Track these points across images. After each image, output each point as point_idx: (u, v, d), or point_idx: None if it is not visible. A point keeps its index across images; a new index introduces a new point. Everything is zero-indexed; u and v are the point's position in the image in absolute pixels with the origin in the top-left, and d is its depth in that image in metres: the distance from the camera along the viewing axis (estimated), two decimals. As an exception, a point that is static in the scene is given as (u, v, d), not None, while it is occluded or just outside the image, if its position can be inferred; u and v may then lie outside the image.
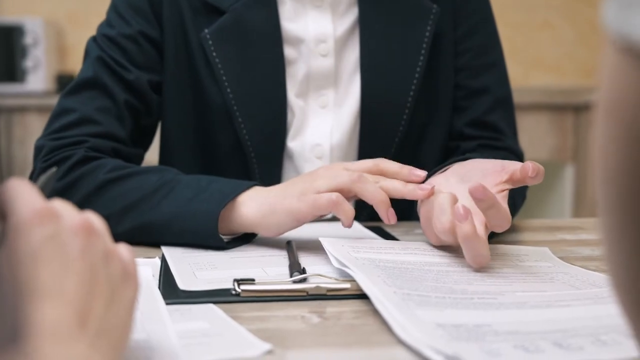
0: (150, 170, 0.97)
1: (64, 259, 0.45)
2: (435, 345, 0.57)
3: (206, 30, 1.08)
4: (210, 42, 1.08)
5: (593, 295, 0.71)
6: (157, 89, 1.12)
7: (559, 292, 0.73)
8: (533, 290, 0.73)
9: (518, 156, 1.16)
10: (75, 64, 3.04)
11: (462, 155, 1.07)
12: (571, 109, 2.72)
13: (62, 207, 0.47)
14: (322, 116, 1.12)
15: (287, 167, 1.13)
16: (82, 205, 0.92)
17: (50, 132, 1.05)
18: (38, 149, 1.04)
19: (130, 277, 0.50)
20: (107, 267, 0.48)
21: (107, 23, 1.12)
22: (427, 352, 0.56)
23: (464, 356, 0.55)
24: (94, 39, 1.11)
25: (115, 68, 1.07)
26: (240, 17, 1.09)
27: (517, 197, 1.06)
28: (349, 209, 0.87)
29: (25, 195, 0.46)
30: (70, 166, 0.98)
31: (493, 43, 1.19)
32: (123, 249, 0.51)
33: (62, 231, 0.45)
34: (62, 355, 0.41)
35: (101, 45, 1.09)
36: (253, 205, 0.90)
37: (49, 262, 0.44)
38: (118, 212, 0.93)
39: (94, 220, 0.48)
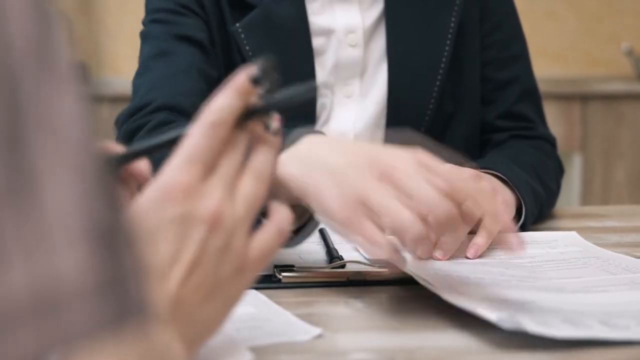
0: None
1: (178, 245, 0.45)
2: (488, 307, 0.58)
3: (237, 24, 1.11)
4: (242, 35, 1.11)
5: (629, 281, 0.72)
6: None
7: (594, 277, 0.74)
8: (568, 277, 0.74)
9: (551, 143, 1.18)
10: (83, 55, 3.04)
11: (495, 146, 1.13)
12: (578, 99, 2.73)
13: (213, 189, 0.46)
14: (347, 106, 1.14)
15: None
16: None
17: (125, 112, 1.07)
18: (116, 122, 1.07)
19: (242, 276, 0.48)
20: (218, 264, 0.47)
21: (152, 11, 1.14)
22: (481, 311, 0.58)
23: (519, 320, 0.56)
24: (143, 30, 1.14)
25: (175, 34, 1.09)
26: (269, 11, 1.11)
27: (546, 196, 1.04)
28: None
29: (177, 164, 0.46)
30: (149, 129, 1.00)
31: (517, 35, 1.21)
32: (258, 246, 0.48)
33: (190, 216, 0.45)
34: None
35: (154, 28, 1.12)
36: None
37: (165, 243, 0.45)
38: None
39: (233, 213, 0.47)
